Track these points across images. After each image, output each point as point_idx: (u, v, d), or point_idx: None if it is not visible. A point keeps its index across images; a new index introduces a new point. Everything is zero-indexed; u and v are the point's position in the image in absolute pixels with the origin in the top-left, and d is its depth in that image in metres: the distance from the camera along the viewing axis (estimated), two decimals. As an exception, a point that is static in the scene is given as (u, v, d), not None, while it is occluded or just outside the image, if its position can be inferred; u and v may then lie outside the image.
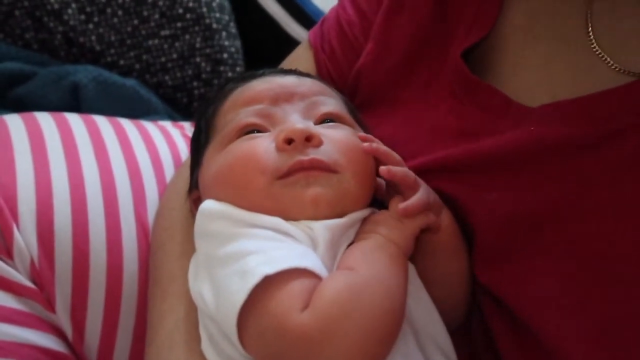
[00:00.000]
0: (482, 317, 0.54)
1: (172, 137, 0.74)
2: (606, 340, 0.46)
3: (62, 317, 0.60)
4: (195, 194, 0.58)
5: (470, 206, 0.53)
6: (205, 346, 0.49)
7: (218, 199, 0.51)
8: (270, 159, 0.50)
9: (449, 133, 0.56)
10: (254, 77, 0.57)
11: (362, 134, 0.54)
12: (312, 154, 0.50)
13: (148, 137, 0.72)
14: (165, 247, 0.59)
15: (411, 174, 0.51)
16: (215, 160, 0.54)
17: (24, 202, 0.61)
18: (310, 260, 0.46)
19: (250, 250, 0.46)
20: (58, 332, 0.60)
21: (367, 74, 0.63)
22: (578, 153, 0.50)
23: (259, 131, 0.53)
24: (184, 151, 0.73)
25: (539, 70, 0.55)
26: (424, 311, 0.51)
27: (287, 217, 0.49)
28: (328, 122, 0.54)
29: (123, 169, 0.67)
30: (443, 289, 0.53)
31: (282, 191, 0.49)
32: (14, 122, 0.66)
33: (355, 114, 0.59)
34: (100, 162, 0.66)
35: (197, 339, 0.50)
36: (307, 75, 0.60)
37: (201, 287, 0.48)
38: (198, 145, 0.58)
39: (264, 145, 0.51)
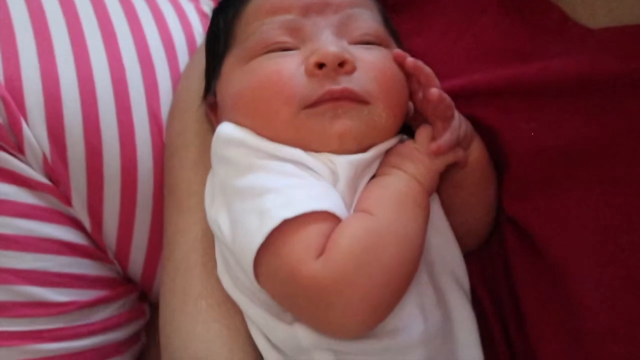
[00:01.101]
0: (502, 243, 0.52)
1: (185, 15, 0.69)
2: (629, 295, 0.45)
3: (79, 210, 0.60)
4: (210, 98, 0.54)
5: (506, 135, 0.50)
6: (221, 272, 0.49)
7: (237, 122, 0.48)
8: (297, 86, 0.46)
9: (490, 53, 0.51)
10: None
11: (397, 50, 0.49)
12: (344, 83, 0.46)
13: (159, 15, 0.67)
14: (180, 154, 0.57)
15: (448, 101, 0.47)
16: (236, 77, 0.49)
17: (30, 95, 0.57)
18: (330, 200, 0.44)
19: (269, 187, 0.44)
20: (76, 224, 0.60)
21: None
22: (632, 89, 0.45)
23: (286, 49, 0.48)
24: (199, 31, 0.67)
25: None
26: (442, 241, 0.50)
27: (309, 148, 0.46)
28: (363, 42, 0.49)
29: (133, 55, 0.62)
30: (466, 217, 0.51)
31: (307, 121, 0.46)
32: (15, 1, 0.60)
33: (391, 25, 0.53)
34: (109, 48, 0.62)
35: (214, 261, 0.50)
36: None
37: (218, 216, 0.47)
38: (215, 51, 0.53)
39: (291, 69, 0.47)
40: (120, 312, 0.63)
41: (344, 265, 0.41)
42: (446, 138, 0.46)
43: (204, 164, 0.53)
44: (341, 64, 0.46)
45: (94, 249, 0.61)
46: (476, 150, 0.50)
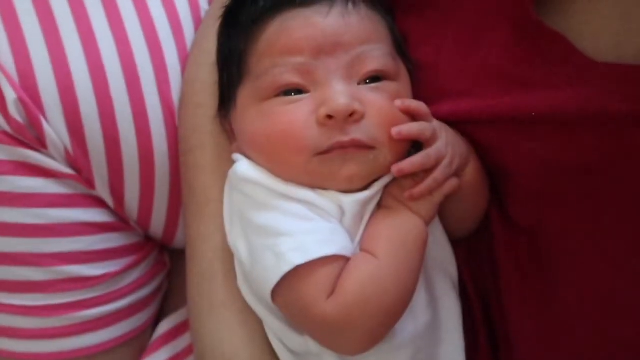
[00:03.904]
0: (489, 233, 0.58)
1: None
2: (617, 303, 0.50)
3: (102, 191, 0.64)
4: (225, 114, 0.57)
5: (506, 151, 0.53)
6: (241, 282, 0.54)
7: (252, 158, 0.53)
8: (309, 136, 0.49)
9: (496, 77, 0.52)
10: (289, 7, 0.51)
11: (398, 102, 0.51)
12: (352, 133, 0.49)
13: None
14: (195, 153, 0.60)
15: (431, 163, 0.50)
16: (250, 115, 0.52)
17: (46, 93, 0.59)
18: (337, 243, 0.48)
19: (282, 231, 0.48)
20: (101, 203, 0.65)
21: None
22: (635, 127, 0.47)
23: (298, 91, 0.51)
24: (204, 4, 0.67)
25: (612, 21, 0.49)
26: (434, 238, 0.54)
27: (318, 186, 0.51)
28: (372, 80, 0.51)
29: (140, 37, 0.63)
30: (454, 222, 0.56)
31: (318, 167, 0.50)
32: None
33: (403, 47, 0.55)
34: (115, 31, 0.62)
35: (234, 270, 0.55)
36: (353, 1, 0.52)
37: (237, 242, 0.52)
38: (229, 74, 0.55)
39: (302, 119, 0.50)
40: (146, 270, 0.70)
41: (350, 310, 0.47)
42: (420, 188, 0.50)
43: (220, 168, 0.57)
44: (351, 114, 0.49)
45: (118, 223, 0.67)
46: (470, 173, 0.54)
